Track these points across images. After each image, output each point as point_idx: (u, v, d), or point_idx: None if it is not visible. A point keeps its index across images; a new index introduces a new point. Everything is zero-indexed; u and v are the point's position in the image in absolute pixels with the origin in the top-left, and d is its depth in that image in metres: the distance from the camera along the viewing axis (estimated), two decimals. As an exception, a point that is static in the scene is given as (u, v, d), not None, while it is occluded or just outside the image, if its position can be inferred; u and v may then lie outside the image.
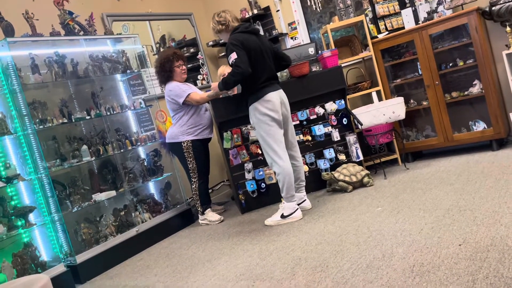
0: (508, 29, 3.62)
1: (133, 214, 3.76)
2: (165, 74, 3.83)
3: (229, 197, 4.86)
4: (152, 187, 4.16)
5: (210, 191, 4.38)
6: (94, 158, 3.55)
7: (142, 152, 4.15)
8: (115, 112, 3.86)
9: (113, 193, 3.61)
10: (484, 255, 1.92)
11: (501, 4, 3.63)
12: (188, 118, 3.83)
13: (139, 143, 3.96)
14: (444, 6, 3.91)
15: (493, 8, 3.68)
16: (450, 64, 3.96)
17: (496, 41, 3.91)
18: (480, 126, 3.90)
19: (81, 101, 3.78)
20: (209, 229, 3.75)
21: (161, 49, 4.97)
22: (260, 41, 3.30)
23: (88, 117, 3.62)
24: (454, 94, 3.99)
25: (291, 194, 3.29)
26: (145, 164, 4.05)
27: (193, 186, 3.90)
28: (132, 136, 4.00)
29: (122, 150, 3.80)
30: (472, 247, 2.04)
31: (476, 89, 3.88)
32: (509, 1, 3.60)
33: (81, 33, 3.79)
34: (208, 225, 3.89)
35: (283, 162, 3.25)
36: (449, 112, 3.98)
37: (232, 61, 3.12)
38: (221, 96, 3.79)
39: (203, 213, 3.94)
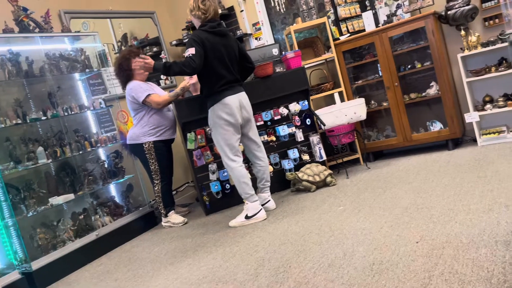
0: (462, 32, 3.77)
1: (93, 217, 3.65)
2: (124, 74, 3.74)
3: (193, 198, 4.81)
4: (113, 190, 4.05)
5: (174, 192, 4.32)
6: (51, 160, 3.42)
7: (102, 153, 4.04)
8: (73, 112, 3.73)
9: (71, 196, 3.49)
10: (440, 252, 1.99)
11: (456, 8, 3.77)
12: (149, 118, 3.75)
13: (99, 145, 3.85)
14: (402, 10, 4.03)
15: (449, 12, 3.82)
16: (409, 66, 4.08)
17: (452, 44, 4.06)
18: (437, 126, 4.04)
19: (37, 101, 3.63)
20: (173, 232, 3.69)
21: (123, 48, 4.85)
22: (225, 43, 3.24)
23: (44, 118, 3.48)
24: (412, 95, 4.11)
25: (249, 193, 3.30)
26: (106, 166, 3.94)
27: (156, 188, 3.83)
28: (92, 137, 3.88)
29: (81, 152, 3.68)
30: (428, 245, 2.10)
31: (433, 90, 4.02)
32: (463, 6, 3.75)
33: (37, 30, 3.64)
34: (172, 227, 3.83)
35: (235, 164, 3.28)
36: (408, 113, 4.10)
37: (189, 54, 3.06)
38: (181, 97, 3.74)
39: (166, 215, 3.87)
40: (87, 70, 3.96)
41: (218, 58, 3.18)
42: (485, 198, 2.52)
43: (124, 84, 3.80)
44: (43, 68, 3.59)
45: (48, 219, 3.43)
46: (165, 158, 3.84)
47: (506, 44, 3.55)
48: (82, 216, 3.59)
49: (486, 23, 3.84)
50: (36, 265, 3.08)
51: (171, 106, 3.91)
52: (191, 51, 3.06)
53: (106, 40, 4.73)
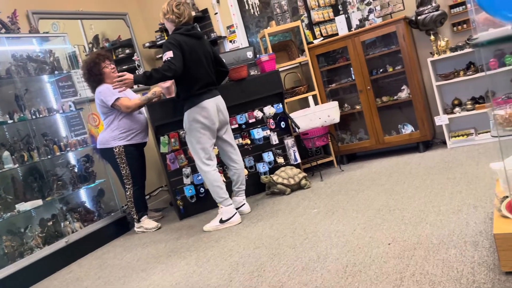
0: (432, 37, 3.86)
1: (62, 224, 3.54)
2: (95, 79, 3.66)
3: (167, 203, 4.74)
4: (83, 195, 3.94)
5: (147, 197, 4.25)
6: (17, 165, 3.30)
7: (72, 158, 3.93)
8: (41, 115, 3.62)
9: (39, 202, 3.38)
10: (411, 253, 2.01)
11: (425, 14, 3.86)
12: (119, 122, 3.67)
13: (68, 149, 3.74)
14: (374, 15, 4.09)
15: (419, 17, 3.90)
16: (381, 70, 4.15)
17: (422, 48, 4.15)
18: (408, 129, 4.12)
19: (3, 104, 3.50)
20: (145, 237, 3.62)
21: (94, 49, 4.75)
22: (201, 46, 3.22)
23: (10, 121, 3.36)
24: (384, 98, 4.18)
25: (223, 197, 3.28)
26: (76, 170, 3.83)
27: (128, 193, 3.75)
28: (61, 141, 3.77)
29: (49, 156, 3.57)
30: (400, 246, 2.13)
31: (404, 94, 4.10)
32: (432, 12, 3.84)
33: (3, 31, 3.52)
34: (145, 232, 3.76)
35: (209, 168, 3.25)
36: (380, 116, 4.17)
37: (167, 58, 3.01)
38: (155, 100, 3.69)
39: (139, 221, 3.80)
40: (56, 72, 3.85)
41: (196, 61, 3.15)
42: (455, 199, 2.57)
43: (94, 88, 3.72)
44: (10, 69, 3.47)
45: (15, 226, 3.31)
46: (137, 162, 3.77)
47: (473, 48, 3.66)
48: (51, 223, 3.48)
49: (455, 28, 3.94)
50: (2, 274, 2.96)
51: (143, 109, 3.84)
52: (169, 54, 3.02)
53: (77, 42, 4.63)
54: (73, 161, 3.92)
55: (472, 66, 3.81)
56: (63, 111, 3.81)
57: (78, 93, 4.12)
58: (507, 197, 1.73)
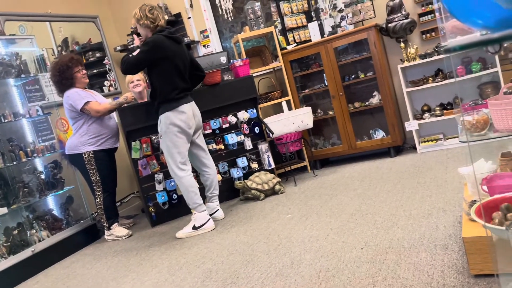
0: (402, 45, 3.95)
1: (28, 232, 3.41)
2: (66, 83, 3.56)
3: (139, 209, 4.65)
4: (51, 202, 3.81)
5: (118, 204, 4.15)
6: (-20, 172, 3.17)
7: (39, 164, 3.80)
8: (6, 120, 3.49)
9: (4, 210, 3.24)
10: (383, 258, 2.03)
11: (395, 21, 3.95)
12: (89, 127, 3.58)
13: (35, 154, 3.62)
14: (346, 21, 4.15)
15: (389, 25, 3.99)
16: (353, 76, 4.21)
17: (393, 55, 4.24)
18: (379, 134, 4.19)
19: (-35, 108, 3.36)
20: (116, 245, 3.53)
21: (63, 53, 4.62)
22: (181, 50, 3.21)
23: (-27, 126, 3.22)
24: (356, 104, 4.24)
25: (197, 203, 3.24)
26: (43, 177, 3.70)
27: (97, 200, 3.65)
28: (28, 146, 3.64)
29: (15, 163, 3.44)
30: (372, 250, 2.15)
31: (375, 99, 4.17)
32: (402, 20, 3.93)
33: (-35, 31, 3.38)
34: (115, 240, 3.67)
35: (184, 173, 3.21)
36: (353, 121, 4.22)
37: (131, 55, 3.07)
38: (126, 104, 3.62)
39: (109, 228, 3.70)
40: (22, 76, 3.73)
41: (175, 66, 3.14)
42: (425, 203, 2.62)
43: (62, 92, 3.61)
44: (-28, 72, 3.34)
45: (-23, 235, 3.17)
46: (107, 168, 3.68)
47: (442, 56, 3.76)
48: (17, 231, 3.34)
49: (424, 36, 4.05)
50: (-38, 286, 2.82)
51: (113, 114, 3.76)
52: (137, 54, 3.04)
53: (46, 44, 4.49)
54: (40, 167, 3.79)
55: (440, 73, 3.91)
56: (30, 116, 3.69)
57: (46, 97, 4.00)
58: (475, 201, 1.77)
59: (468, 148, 1.57)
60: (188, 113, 3.19)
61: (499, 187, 1.85)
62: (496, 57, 3.58)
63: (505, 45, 3.57)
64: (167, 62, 3.10)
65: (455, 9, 0.71)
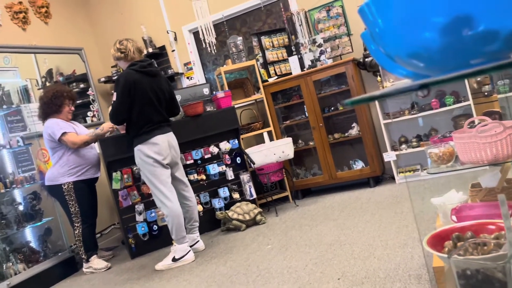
0: (379, 78, 4.09)
1: (4, 265, 3.34)
2: (53, 108, 3.57)
3: (119, 241, 4.58)
4: (29, 234, 3.75)
5: (98, 235, 4.10)
6: (-44, 203, 3.12)
7: (18, 195, 3.75)
8: (-14, 151, 3.47)
9: (-21, 243, 3.18)
10: (359, 288, 2.06)
11: (372, 56, 4.10)
12: (69, 157, 3.57)
13: (14, 185, 3.59)
14: (325, 56, 4.30)
15: (366, 59, 4.14)
16: (332, 108, 4.32)
17: (370, 88, 4.38)
18: (359, 164, 4.27)
19: None
20: (94, 278, 3.47)
21: (47, 84, 4.66)
22: (155, 83, 3.20)
23: (-49, 157, 3.20)
24: (336, 135, 4.33)
25: (181, 235, 3.22)
26: (21, 208, 3.66)
27: (76, 232, 3.61)
28: (7, 177, 3.61)
29: (-7, 194, 3.40)
30: (349, 281, 2.17)
31: (354, 131, 4.27)
32: (378, 55, 4.08)
33: None
34: (94, 273, 3.60)
35: (171, 203, 3.18)
36: (333, 152, 4.30)
37: (112, 101, 3.13)
38: (109, 134, 3.64)
39: (87, 261, 3.64)
40: (4, 106, 3.74)
41: (147, 101, 3.13)
42: (401, 233, 2.67)
43: (44, 118, 3.61)
44: (-47, 103, 3.34)
45: (-50, 269, 3.09)
46: (87, 199, 3.65)
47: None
48: (-9, 265, 3.27)
49: (399, 70, 4.20)
50: None
51: (95, 144, 3.77)
52: (114, 97, 3.11)
53: (30, 75, 4.53)
54: (19, 198, 3.74)
55: (415, 105, 4.05)
56: (11, 146, 3.67)
57: (27, 127, 4.00)
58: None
59: (439, 179, 1.64)
60: (162, 144, 3.18)
61: (468, 217, 1.91)
62: (468, 91, 3.74)
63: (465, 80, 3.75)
64: (138, 96, 3.10)
65: (382, 62, 0.79)
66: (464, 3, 0.45)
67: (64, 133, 3.50)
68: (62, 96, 3.61)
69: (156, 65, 3.45)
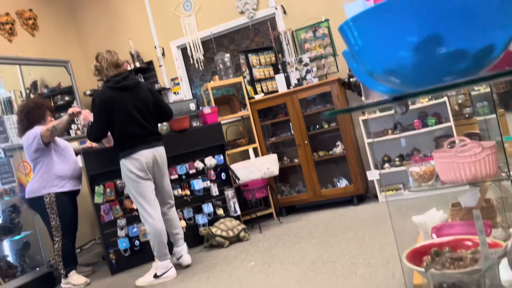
0: (363, 98, 4.16)
1: (-22, 280, 3.24)
2: (36, 117, 3.52)
3: (100, 256, 4.49)
4: (6, 248, 3.66)
5: (78, 250, 4.02)
6: None
7: (-3, 207, 3.67)
8: (-35, 162, 3.40)
9: (-47, 256, 3.09)
10: (341, 305, 2.05)
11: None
12: (49, 168, 3.51)
13: (-7, 198, 3.51)
14: (311, 75, 4.37)
15: (351, 79, 4.22)
16: (317, 126, 4.37)
17: (355, 108, 4.44)
18: (343, 182, 4.30)
19: None
20: (73, 294, 3.39)
21: (32, 95, 4.61)
22: (135, 96, 3.14)
23: None
24: (321, 153, 4.37)
25: (163, 252, 3.17)
26: (0, 221, 3.57)
27: (56, 246, 3.52)
28: (-14, 189, 3.54)
29: (-30, 206, 3.32)
30: (331, 298, 2.16)
31: (339, 149, 4.32)
32: (363, 75, 4.17)
33: None
34: (72, 289, 3.52)
35: (153, 220, 3.15)
36: (317, 170, 4.33)
37: (89, 122, 3.19)
38: (81, 123, 3.63)
39: (66, 276, 3.55)
40: (-14, 117, 3.68)
41: (128, 117, 3.10)
42: (384, 251, 2.68)
43: (23, 131, 3.55)
44: None
45: None
46: (69, 213, 3.58)
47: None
48: (-35, 279, 3.17)
49: (383, 90, 4.28)
50: None
51: (77, 157, 3.72)
52: (94, 119, 3.13)
53: (14, 87, 4.48)
54: (-3, 211, 3.66)
55: (399, 125, 4.12)
56: (-9, 158, 3.61)
57: (9, 139, 3.94)
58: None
59: (420, 198, 1.67)
60: (143, 160, 3.13)
61: (448, 235, 1.94)
62: (449, 112, 3.83)
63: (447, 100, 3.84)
64: (117, 113, 3.08)
65: (363, 80, 0.82)
66: (435, 24, 0.48)
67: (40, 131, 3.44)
68: (43, 106, 3.61)
69: (133, 77, 3.37)
